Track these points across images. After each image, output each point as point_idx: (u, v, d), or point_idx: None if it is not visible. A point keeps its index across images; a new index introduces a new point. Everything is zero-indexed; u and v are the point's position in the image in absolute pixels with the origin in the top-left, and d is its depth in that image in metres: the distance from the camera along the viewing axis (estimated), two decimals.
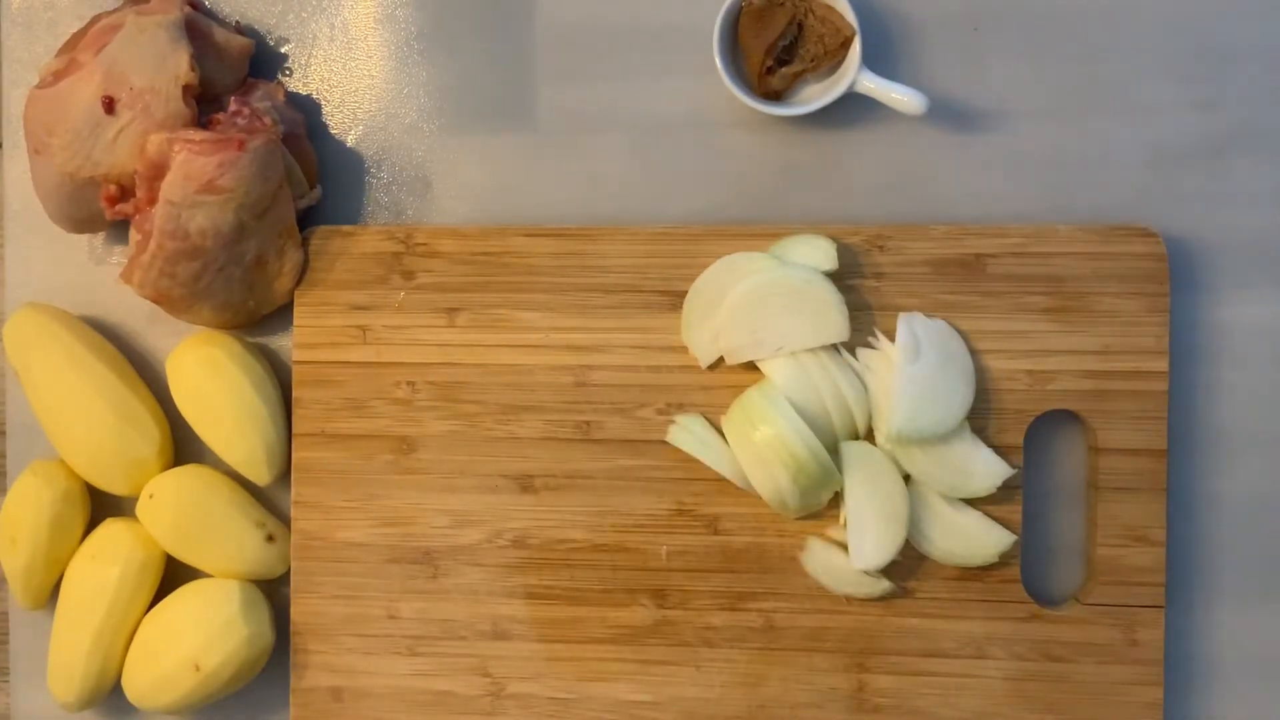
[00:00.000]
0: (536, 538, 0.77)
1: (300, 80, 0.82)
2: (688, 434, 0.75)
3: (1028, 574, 0.75)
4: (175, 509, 0.76)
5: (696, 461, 0.74)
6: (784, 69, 0.76)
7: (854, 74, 0.75)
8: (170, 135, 0.72)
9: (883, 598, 0.75)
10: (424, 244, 0.78)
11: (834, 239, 0.74)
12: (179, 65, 0.74)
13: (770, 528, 0.76)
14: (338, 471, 0.78)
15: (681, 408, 0.76)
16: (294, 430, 0.78)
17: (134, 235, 0.76)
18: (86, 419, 0.77)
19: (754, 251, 0.75)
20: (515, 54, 0.80)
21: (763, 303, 0.73)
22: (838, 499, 0.74)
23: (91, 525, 0.80)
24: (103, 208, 0.76)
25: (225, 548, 0.77)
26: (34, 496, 0.77)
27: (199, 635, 0.75)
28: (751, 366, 0.75)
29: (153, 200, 0.73)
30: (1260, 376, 0.77)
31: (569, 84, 0.80)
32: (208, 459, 0.80)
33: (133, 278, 0.75)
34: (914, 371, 0.72)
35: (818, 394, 0.73)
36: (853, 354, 0.75)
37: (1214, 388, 0.77)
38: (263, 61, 0.82)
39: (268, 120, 0.76)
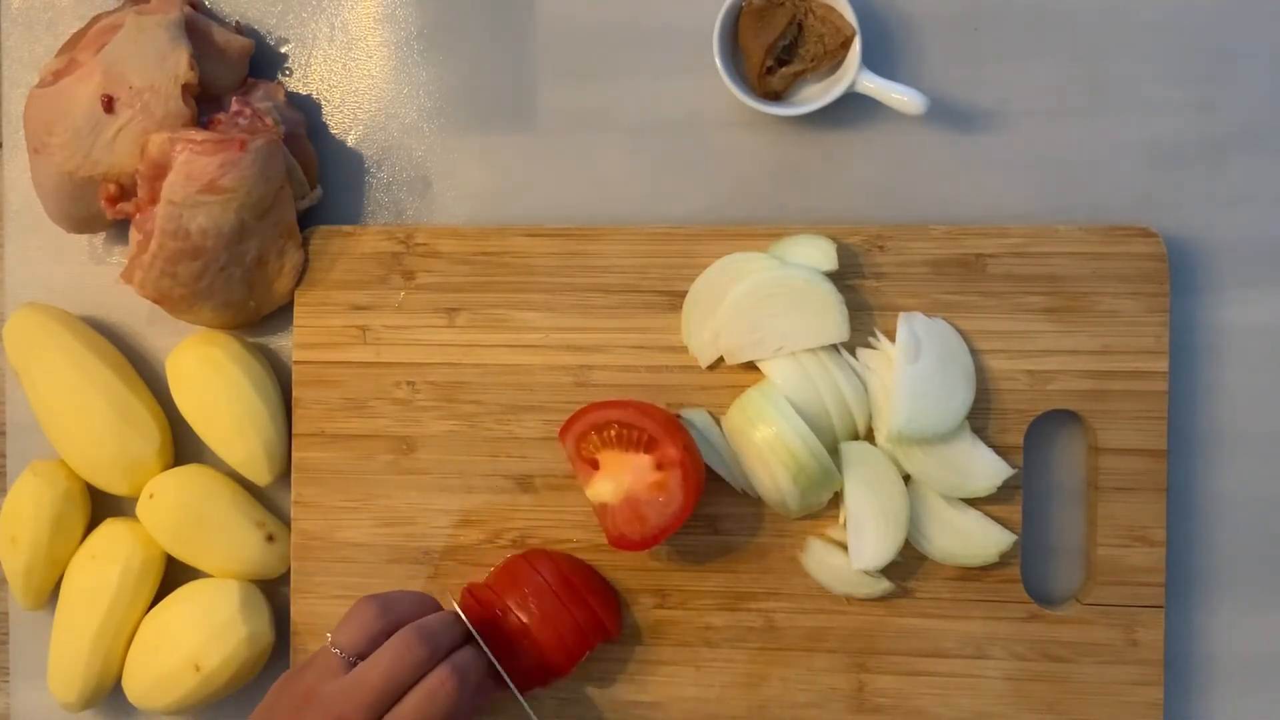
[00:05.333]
0: (536, 538, 0.77)
1: (300, 80, 0.82)
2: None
3: (1028, 574, 0.75)
4: (175, 509, 0.76)
5: None
6: (784, 69, 0.76)
7: (854, 74, 0.75)
8: (172, 135, 0.72)
9: (883, 598, 0.75)
10: (424, 244, 0.78)
11: (834, 239, 0.74)
12: (178, 65, 0.74)
13: (770, 528, 0.76)
14: (338, 471, 0.78)
15: (681, 408, 0.76)
16: (294, 430, 0.78)
17: (134, 235, 0.76)
18: (86, 419, 0.77)
19: (754, 251, 0.75)
20: (515, 54, 0.81)
21: (763, 303, 0.73)
22: (838, 499, 0.75)
23: (91, 525, 0.80)
24: (103, 207, 0.76)
25: (225, 548, 0.77)
26: (34, 496, 0.77)
27: (199, 635, 0.75)
28: (751, 366, 0.75)
29: (154, 200, 0.74)
30: (1260, 376, 0.77)
31: (569, 84, 0.80)
32: (208, 459, 0.80)
33: (133, 278, 0.75)
34: (914, 371, 0.72)
35: (818, 394, 0.73)
36: (853, 354, 0.75)
37: (1214, 388, 0.77)
38: (263, 61, 0.82)
39: (269, 120, 0.76)
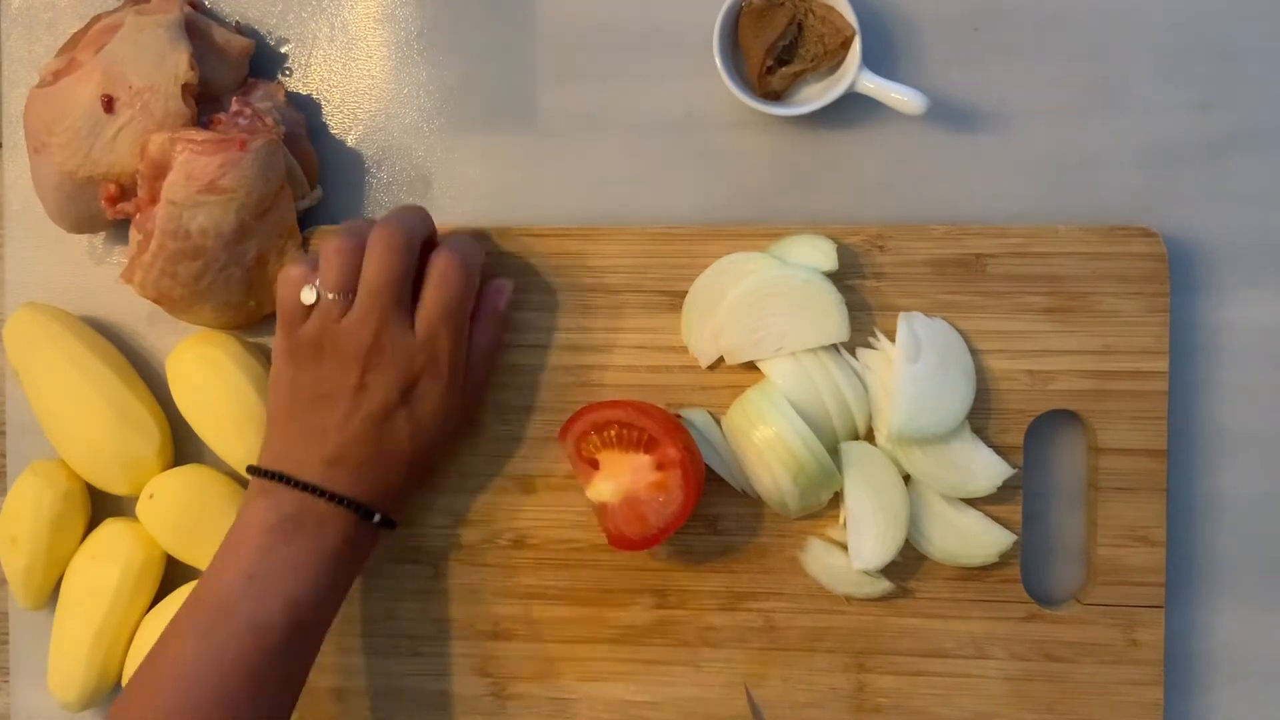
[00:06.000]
0: (536, 538, 0.77)
1: (300, 80, 0.82)
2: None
3: (1028, 574, 0.75)
4: (175, 509, 0.76)
5: None
6: (784, 69, 0.76)
7: (854, 74, 0.75)
8: (173, 135, 0.72)
9: (883, 598, 0.75)
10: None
11: (834, 239, 0.74)
12: (178, 65, 0.74)
13: (770, 528, 0.76)
14: None
15: (681, 408, 0.76)
16: None
17: (134, 235, 0.76)
18: (86, 419, 0.77)
19: (754, 251, 0.75)
20: (515, 54, 0.81)
21: (762, 303, 0.73)
22: (838, 499, 0.75)
23: (91, 525, 0.80)
24: (103, 207, 0.76)
25: None
26: (34, 496, 0.77)
27: None
28: (751, 366, 0.75)
29: (154, 200, 0.74)
30: (1260, 376, 0.77)
31: (569, 84, 0.80)
32: (208, 459, 0.80)
33: (133, 278, 0.75)
34: (914, 371, 0.72)
35: (818, 394, 0.73)
36: (853, 354, 0.75)
37: (1214, 388, 0.77)
38: (263, 61, 0.82)
39: (269, 120, 0.76)
